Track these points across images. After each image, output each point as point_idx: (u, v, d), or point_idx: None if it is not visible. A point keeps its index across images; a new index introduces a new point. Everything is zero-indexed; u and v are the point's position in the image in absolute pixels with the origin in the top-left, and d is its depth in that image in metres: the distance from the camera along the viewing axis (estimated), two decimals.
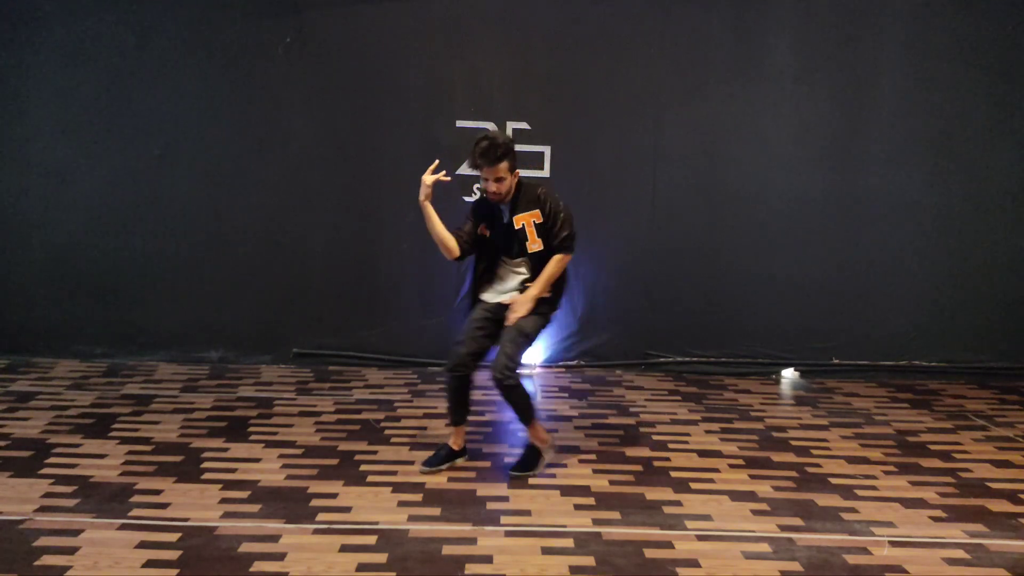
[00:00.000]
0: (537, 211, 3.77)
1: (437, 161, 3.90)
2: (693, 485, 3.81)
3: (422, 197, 3.79)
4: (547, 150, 5.68)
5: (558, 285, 3.89)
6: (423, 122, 5.69)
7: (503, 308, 3.86)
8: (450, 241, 3.86)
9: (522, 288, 3.87)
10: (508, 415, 4.79)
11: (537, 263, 3.83)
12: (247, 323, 5.79)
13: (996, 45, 5.65)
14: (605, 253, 5.72)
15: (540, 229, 3.78)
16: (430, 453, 4.09)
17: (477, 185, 5.70)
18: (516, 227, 3.78)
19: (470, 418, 4.70)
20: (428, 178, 3.79)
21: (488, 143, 3.65)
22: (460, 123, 5.67)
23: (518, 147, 5.65)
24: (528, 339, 3.81)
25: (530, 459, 3.92)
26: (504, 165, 3.68)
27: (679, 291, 5.85)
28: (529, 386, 5.31)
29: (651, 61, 5.70)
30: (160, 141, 5.62)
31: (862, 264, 5.82)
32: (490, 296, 3.95)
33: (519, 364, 3.77)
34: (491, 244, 3.91)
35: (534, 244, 3.79)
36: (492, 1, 5.69)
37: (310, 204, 5.74)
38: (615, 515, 3.45)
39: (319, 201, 5.75)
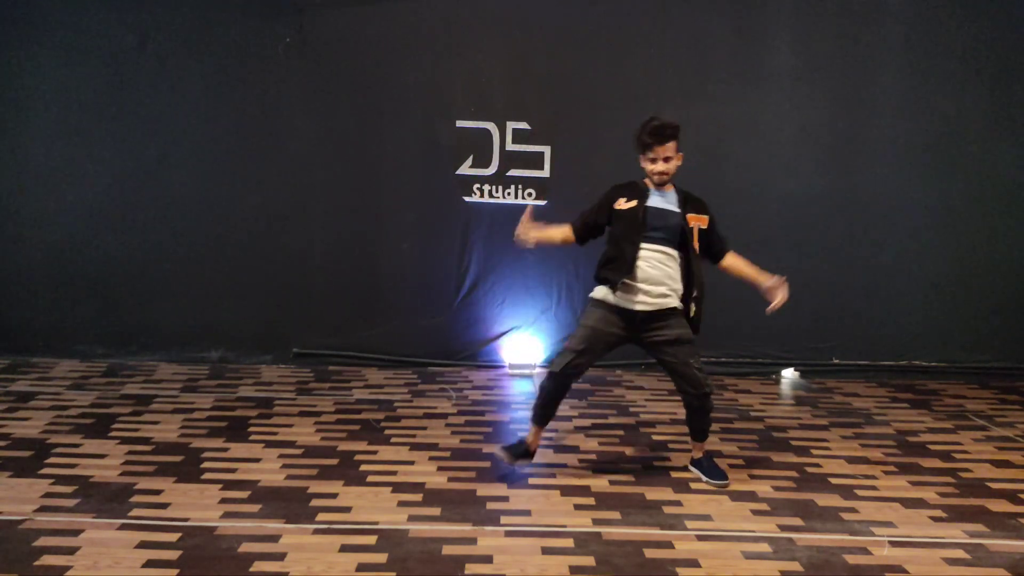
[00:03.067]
0: (706, 217, 3.76)
1: (530, 207, 3.87)
2: (693, 485, 3.81)
3: (532, 243, 3.80)
4: (547, 150, 5.68)
5: (701, 294, 3.81)
6: (423, 122, 5.69)
7: (650, 319, 3.66)
8: (567, 235, 3.82)
9: (682, 292, 3.72)
10: (507, 415, 4.79)
11: (694, 265, 3.70)
12: (247, 323, 5.79)
13: (996, 45, 5.65)
14: None
15: (702, 235, 3.74)
16: (429, 453, 4.10)
17: (477, 184, 5.71)
18: (689, 224, 3.69)
19: (469, 418, 4.73)
20: (529, 232, 3.77)
21: (659, 122, 3.61)
22: (460, 123, 5.67)
23: (518, 147, 5.75)
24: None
25: (714, 471, 3.87)
26: (673, 144, 3.64)
27: None
28: (530, 386, 5.32)
29: (651, 61, 5.70)
30: (160, 141, 5.62)
31: (862, 264, 5.82)
32: (632, 300, 3.64)
33: None
34: (626, 221, 3.66)
35: (697, 247, 3.73)
36: (492, 1, 5.69)
37: (310, 204, 5.74)
38: (615, 515, 3.45)
39: (319, 201, 5.75)
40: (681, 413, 4.91)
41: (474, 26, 5.65)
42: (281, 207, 5.73)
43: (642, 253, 3.62)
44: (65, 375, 5.39)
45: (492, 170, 5.70)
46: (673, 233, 3.66)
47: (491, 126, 5.67)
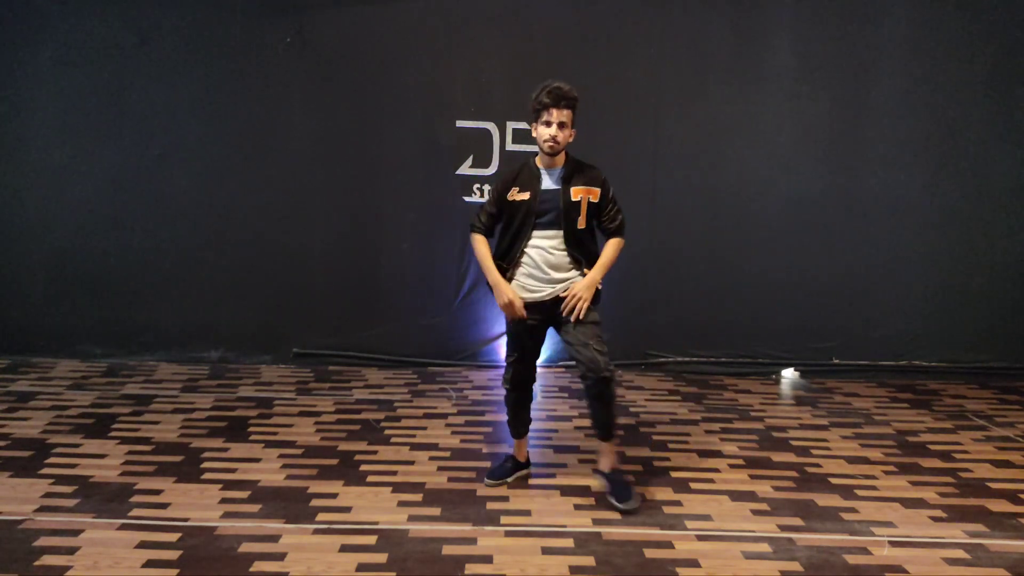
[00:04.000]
0: (597, 189, 3.51)
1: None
2: (693, 485, 3.81)
3: (503, 301, 3.53)
4: None
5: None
6: (423, 122, 5.69)
7: (557, 302, 3.53)
8: (483, 243, 3.63)
9: (574, 275, 3.53)
10: (506, 416, 4.78)
11: (576, 245, 3.51)
12: (247, 323, 5.79)
13: (996, 45, 5.65)
14: None
15: (592, 209, 3.52)
16: (429, 453, 4.10)
17: (477, 185, 5.71)
18: (573, 198, 3.48)
19: (469, 418, 4.73)
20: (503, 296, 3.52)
21: (559, 86, 3.46)
22: (460, 123, 5.67)
23: (518, 147, 5.74)
24: (600, 327, 3.54)
25: (622, 490, 3.55)
26: (569, 113, 3.46)
27: (679, 291, 5.85)
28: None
29: (651, 61, 5.70)
30: (160, 141, 5.62)
31: (862, 264, 5.82)
32: (533, 289, 3.54)
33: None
34: (521, 214, 3.53)
35: (583, 223, 3.50)
36: (492, 1, 5.68)
37: (310, 204, 5.74)
38: (615, 515, 3.45)
39: (319, 201, 5.75)
40: (681, 413, 4.94)
41: (474, 26, 5.65)
42: (281, 207, 5.73)
43: (534, 243, 3.51)
44: (65, 375, 5.39)
45: (492, 170, 5.70)
46: (557, 212, 3.48)
47: (491, 126, 5.67)
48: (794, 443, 4.45)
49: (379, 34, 5.62)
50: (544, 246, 3.52)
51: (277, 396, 5.09)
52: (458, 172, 5.70)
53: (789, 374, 5.85)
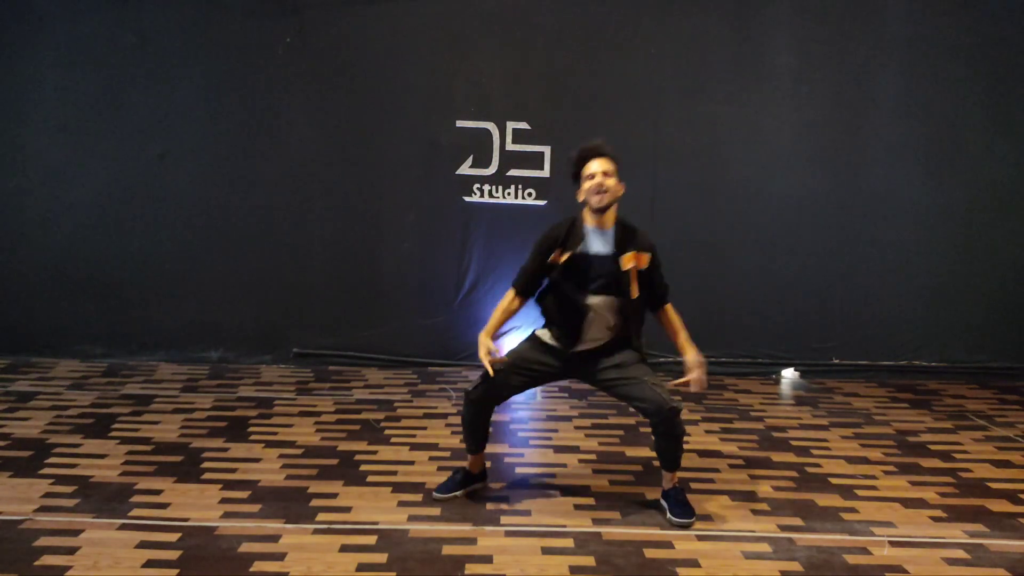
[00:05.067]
0: (648, 255, 3.38)
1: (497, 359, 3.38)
2: (693, 485, 3.80)
3: (492, 350, 3.32)
4: (547, 150, 5.68)
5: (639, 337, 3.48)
6: (423, 122, 5.69)
7: (580, 360, 3.43)
8: (511, 303, 3.48)
9: (614, 337, 3.41)
10: (507, 415, 4.79)
11: (630, 312, 3.38)
12: (247, 323, 5.79)
13: (996, 45, 5.65)
14: None
15: (643, 276, 3.39)
16: (429, 453, 4.10)
17: (477, 184, 5.71)
18: (624, 267, 3.33)
19: None
20: (485, 346, 3.32)
21: (598, 141, 3.37)
22: (460, 123, 5.67)
23: (518, 147, 5.74)
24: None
25: (683, 508, 3.42)
26: (611, 162, 3.33)
27: (679, 291, 5.76)
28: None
29: (651, 61, 5.70)
30: (160, 141, 5.62)
31: (862, 264, 5.82)
32: (563, 341, 3.43)
33: None
34: (566, 276, 3.37)
35: (635, 291, 3.36)
36: (492, 1, 5.69)
37: (310, 204, 5.74)
38: (615, 515, 3.45)
39: (319, 201, 5.75)
40: (681, 413, 4.92)
41: (474, 26, 5.65)
42: (281, 207, 5.72)
43: (591, 303, 3.35)
44: (65, 375, 5.39)
45: (492, 170, 5.70)
46: (610, 280, 3.35)
47: (491, 126, 5.67)
48: (794, 443, 4.45)
49: (379, 34, 5.62)
50: (595, 308, 3.36)
51: (277, 396, 5.09)
52: (458, 172, 5.70)
53: (789, 374, 5.85)
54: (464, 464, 3.67)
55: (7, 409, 4.65)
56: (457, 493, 3.60)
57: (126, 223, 5.68)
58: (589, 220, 3.39)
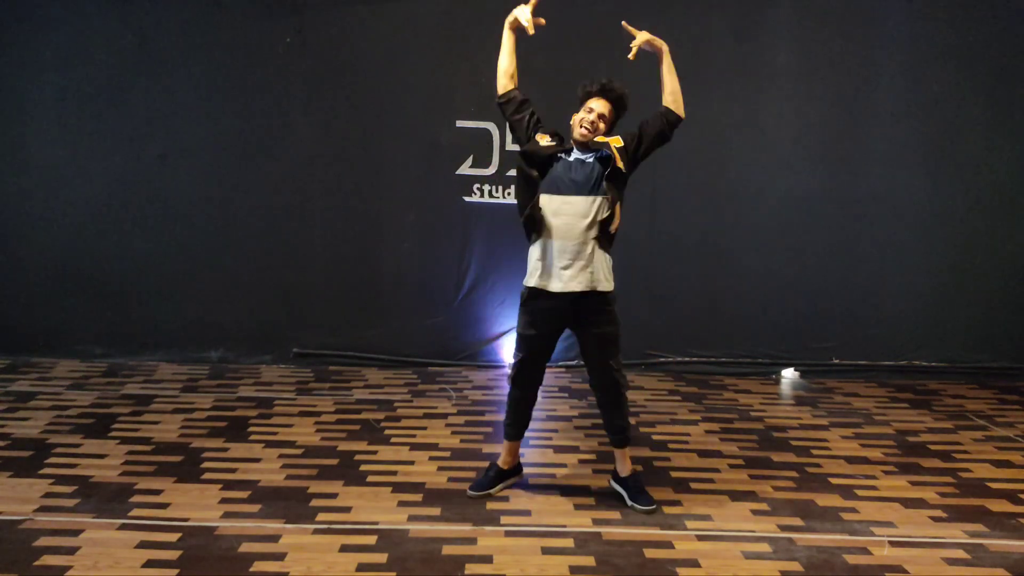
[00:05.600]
0: (618, 137, 3.48)
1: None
2: (693, 485, 3.81)
3: (510, 21, 3.44)
4: None
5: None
6: (423, 122, 5.69)
7: (577, 300, 3.36)
8: (512, 69, 3.58)
9: (589, 260, 3.33)
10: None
11: (605, 226, 3.35)
12: (247, 323, 5.79)
13: (996, 46, 5.65)
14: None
15: (623, 153, 3.42)
16: (429, 453, 4.10)
17: (477, 184, 5.71)
18: (601, 140, 3.42)
19: (469, 418, 4.73)
20: (523, 12, 3.44)
21: (611, 79, 3.50)
22: (460, 123, 5.67)
23: (518, 147, 5.71)
24: (618, 341, 3.45)
25: (640, 494, 3.52)
26: (610, 107, 3.46)
27: (679, 291, 5.85)
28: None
29: (651, 61, 5.68)
30: (160, 141, 5.62)
31: (862, 264, 5.82)
32: (556, 284, 3.37)
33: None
34: (544, 172, 3.42)
35: (619, 164, 3.39)
36: (492, 1, 5.67)
37: (310, 204, 5.74)
38: (615, 515, 3.45)
39: (319, 201, 5.75)
40: (681, 413, 4.94)
41: (474, 26, 5.65)
42: (281, 207, 5.72)
43: (558, 208, 3.36)
44: (65, 375, 5.39)
45: (492, 170, 5.70)
46: (587, 179, 3.38)
47: (491, 126, 5.67)
48: (794, 443, 4.45)
49: (379, 34, 5.62)
50: (572, 225, 3.34)
51: (277, 396, 5.09)
52: (458, 172, 5.70)
53: (789, 374, 5.85)
54: (496, 461, 3.70)
55: (7, 409, 4.65)
56: (492, 491, 3.61)
57: (126, 223, 5.67)
58: (574, 144, 3.49)
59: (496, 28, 5.65)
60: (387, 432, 4.46)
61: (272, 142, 5.68)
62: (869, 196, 5.76)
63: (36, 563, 2.92)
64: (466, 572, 2.95)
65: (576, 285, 3.35)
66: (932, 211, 5.78)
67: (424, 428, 4.55)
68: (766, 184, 5.76)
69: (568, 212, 3.37)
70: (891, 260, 5.82)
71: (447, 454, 4.13)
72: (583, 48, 5.66)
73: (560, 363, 5.86)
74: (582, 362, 5.79)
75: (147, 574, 2.87)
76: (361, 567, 2.95)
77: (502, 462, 3.68)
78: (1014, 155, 5.74)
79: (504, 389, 5.39)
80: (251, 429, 4.45)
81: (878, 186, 5.75)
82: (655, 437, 4.49)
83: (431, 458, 4.07)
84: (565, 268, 3.35)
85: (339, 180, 5.74)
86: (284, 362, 5.82)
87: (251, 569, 2.92)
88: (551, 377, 5.67)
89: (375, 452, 4.14)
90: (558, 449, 4.26)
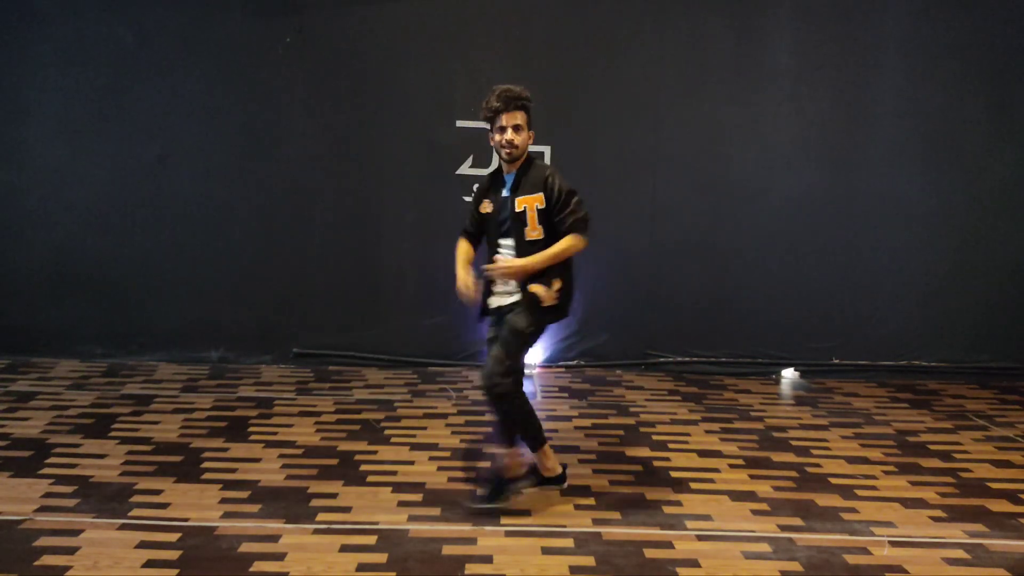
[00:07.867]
0: (541, 195, 3.37)
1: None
2: (693, 485, 3.81)
3: (472, 287, 3.46)
4: (547, 150, 5.67)
5: (565, 291, 3.42)
6: (423, 122, 5.69)
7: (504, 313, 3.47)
8: (468, 250, 3.61)
9: (523, 288, 3.38)
10: None
11: (527, 255, 3.39)
12: (247, 323, 5.79)
13: (996, 45, 5.65)
14: (605, 253, 5.70)
15: (542, 216, 3.37)
16: (429, 453, 4.09)
17: (477, 184, 5.70)
18: (517, 209, 3.38)
19: (469, 418, 4.73)
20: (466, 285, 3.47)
21: (507, 88, 3.36)
22: (460, 123, 5.66)
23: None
24: (522, 338, 3.36)
25: (497, 493, 3.47)
26: (523, 115, 3.39)
27: (679, 291, 5.85)
28: (529, 386, 5.31)
29: (651, 61, 5.70)
30: (160, 141, 5.62)
31: (862, 264, 5.82)
32: (493, 300, 3.52)
33: (513, 368, 3.33)
34: (490, 225, 3.52)
35: (533, 231, 3.37)
36: (492, 1, 5.69)
37: (310, 204, 5.74)
38: (615, 515, 3.45)
39: (319, 201, 5.75)
40: (681, 413, 4.94)
41: (474, 26, 5.65)
42: (281, 207, 5.73)
43: (501, 252, 3.47)
44: (65, 375, 5.39)
45: (492, 170, 5.68)
46: (511, 222, 3.41)
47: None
48: (794, 443, 4.45)
49: (379, 34, 5.62)
50: (505, 255, 3.46)
51: (277, 396, 5.09)
52: (458, 172, 5.70)
53: (789, 374, 5.85)
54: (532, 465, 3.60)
55: (7, 409, 4.65)
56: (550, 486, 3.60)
57: (126, 223, 5.68)
58: (505, 166, 3.50)
59: (496, 28, 5.72)
60: (387, 432, 4.46)
61: (272, 142, 5.68)
62: (869, 196, 5.76)
63: (36, 563, 2.92)
64: (466, 572, 2.95)
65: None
66: (932, 211, 5.77)
67: (424, 428, 4.55)
68: (766, 184, 5.76)
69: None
70: (891, 260, 5.81)
71: (447, 454, 4.13)
72: (583, 48, 5.66)
73: (560, 363, 5.86)
74: (582, 362, 5.86)
75: (147, 574, 2.87)
76: (361, 567, 2.95)
77: (543, 467, 3.57)
78: (1014, 155, 5.74)
79: None
80: (251, 429, 4.45)
81: (878, 186, 5.75)
82: (655, 437, 4.49)
83: (431, 458, 4.07)
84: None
85: (339, 180, 5.74)
86: (284, 362, 5.82)
87: (251, 569, 2.92)
88: (551, 377, 5.68)
89: (375, 452, 4.14)
90: (558, 449, 4.24)
